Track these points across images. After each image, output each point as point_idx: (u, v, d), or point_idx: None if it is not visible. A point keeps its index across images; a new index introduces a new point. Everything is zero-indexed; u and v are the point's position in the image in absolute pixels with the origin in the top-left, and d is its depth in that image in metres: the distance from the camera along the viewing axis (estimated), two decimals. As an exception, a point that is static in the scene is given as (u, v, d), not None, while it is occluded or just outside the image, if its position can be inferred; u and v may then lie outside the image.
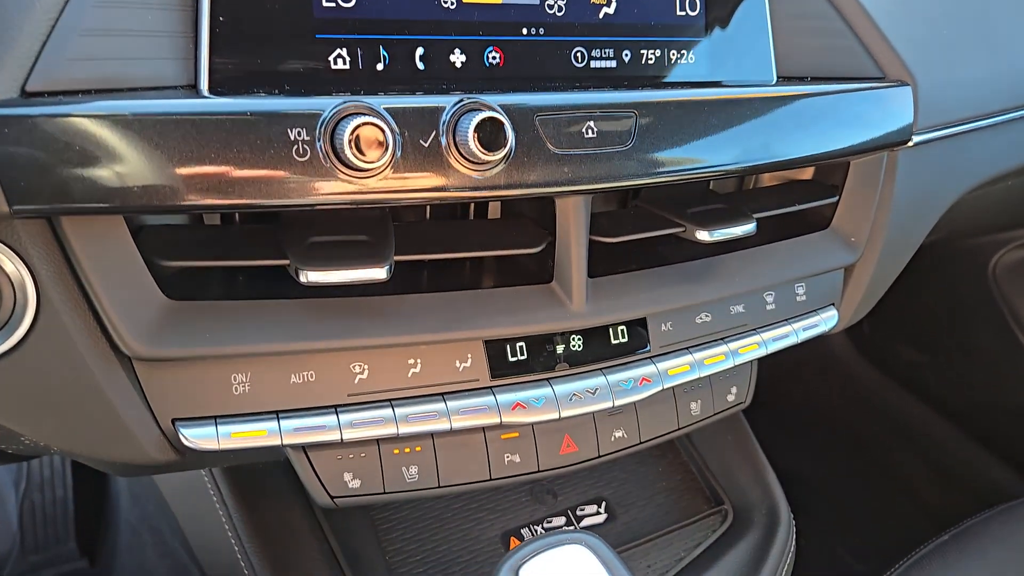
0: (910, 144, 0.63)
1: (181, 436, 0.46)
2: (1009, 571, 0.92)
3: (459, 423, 0.52)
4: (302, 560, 0.62)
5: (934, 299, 1.54)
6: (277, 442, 0.48)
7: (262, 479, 0.67)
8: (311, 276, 0.44)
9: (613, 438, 0.60)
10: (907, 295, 1.61)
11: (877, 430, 1.59)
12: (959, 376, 1.50)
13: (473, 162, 0.44)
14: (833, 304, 0.67)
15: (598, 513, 0.72)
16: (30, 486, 1.28)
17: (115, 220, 0.42)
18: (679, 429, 0.63)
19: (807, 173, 0.68)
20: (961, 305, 1.48)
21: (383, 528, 0.67)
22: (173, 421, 0.46)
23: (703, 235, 0.55)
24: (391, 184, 0.43)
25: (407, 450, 0.54)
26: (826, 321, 0.66)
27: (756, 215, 0.58)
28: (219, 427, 0.47)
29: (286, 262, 0.45)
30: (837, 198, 0.65)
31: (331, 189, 0.42)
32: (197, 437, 0.46)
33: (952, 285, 1.49)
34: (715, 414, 0.65)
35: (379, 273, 0.45)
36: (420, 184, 0.44)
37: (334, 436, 0.49)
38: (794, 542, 0.69)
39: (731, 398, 0.66)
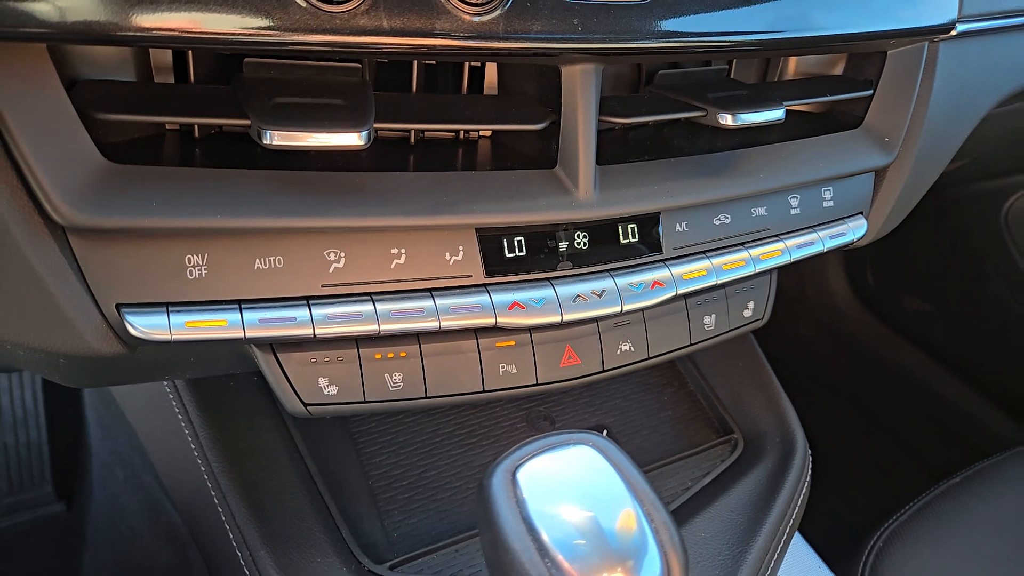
0: (953, 33, 0.57)
1: (127, 324, 0.40)
2: (1002, 520, 0.89)
3: (449, 323, 0.46)
4: (276, 484, 0.56)
5: (943, 247, 1.48)
6: (239, 335, 0.42)
7: (232, 397, 0.61)
8: (276, 138, 0.38)
9: (619, 351, 0.55)
10: (914, 244, 1.55)
11: (876, 384, 1.55)
12: (967, 327, 1.45)
13: (467, 1, 0.38)
14: (862, 212, 0.61)
15: (598, 441, 0.67)
16: (2, 427, 1.23)
17: (41, 60, 0.35)
18: (691, 345, 0.57)
19: (838, 68, 0.61)
20: (971, 253, 1.43)
21: (365, 452, 0.62)
22: (118, 307, 0.40)
23: (726, 119, 0.49)
24: (371, 23, 0.37)
25: (390, 355, 0.48)
26: (854, 230, 0.60)
27: (785, 103, 0.51)
28: (171, 316, 0.41)
29: (246, 122, 0.39)
30: (872, 92, 0.58)
31: (300, 24, 0.35)
32: (146, 326, 0.40)
33: (962, 232, 1.43)
34: (730, 330, 0.59)
35: (355, 139, 0.38)
36: (405, 25, 0.37)
37: (306, 331, 0.43)
38: (810, 471, 0.64)
39: (748, 314, 0.60)
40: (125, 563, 0.95)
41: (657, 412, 0.70)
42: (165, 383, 0.63)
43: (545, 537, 0.33)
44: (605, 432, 0.68)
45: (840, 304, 1.69)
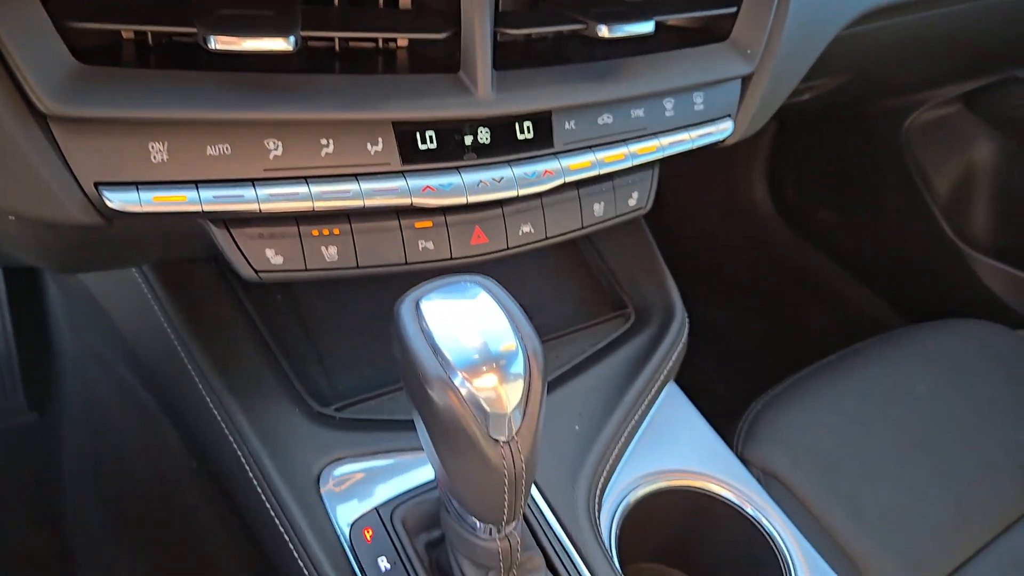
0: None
1: (105, 199, 0.49)
2: (868, 388, 1.04)
3: (372, 203, 0.56)
4: (236, 348, 0.67)
5: (851, 162, 1.62)
6: (197, 208, 0.51)
7: (194, 281, 0.71)
8: (217, 43, 0.46)
9: (521, 232, 0.66)
10: (828, 159, 1.69)
11: (785, 283, 1.71)
12: (868, 234, 1.61)
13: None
14: (729, 115, 0.72)
15: (513, 316, 0.79)
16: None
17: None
18: (583, 228, 0.69)
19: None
20: (875, 166, 1.57)
21: (312, 324, 0.73)
22: (96, 185, 0.49)
23: (602, 30, 0.58)
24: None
25: (326, 232, 0.59)
26: (722, 132, 0.71)
27: (656, 17, 0.61)
28: (141, 193, 0.50)
29: (193, 30, 0.47)
30: (737, 9, 0.68)
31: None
32: (120, 200, 0.49)
33: (868, 147, 1.57)
34: (617, 216, 0.70)
35: (284, 44, 0.47)
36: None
37: (252, 207, 0.53)
38: (686, 336, 0.77)
39: (632, 202, 0.71)
40: (105, 455, 1.05)
41: (563, 293, 0.82)
42: (135, 271, 0.72)
43: (438, 343, 0.44)
44: (519, 309, 0.80)
45: (763, 217, 1.83)
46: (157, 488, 0.95)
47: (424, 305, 0.46)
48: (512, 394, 0.44)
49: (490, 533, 0.50)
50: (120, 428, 0.98)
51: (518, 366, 0.44)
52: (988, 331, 1.15)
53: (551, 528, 0.59)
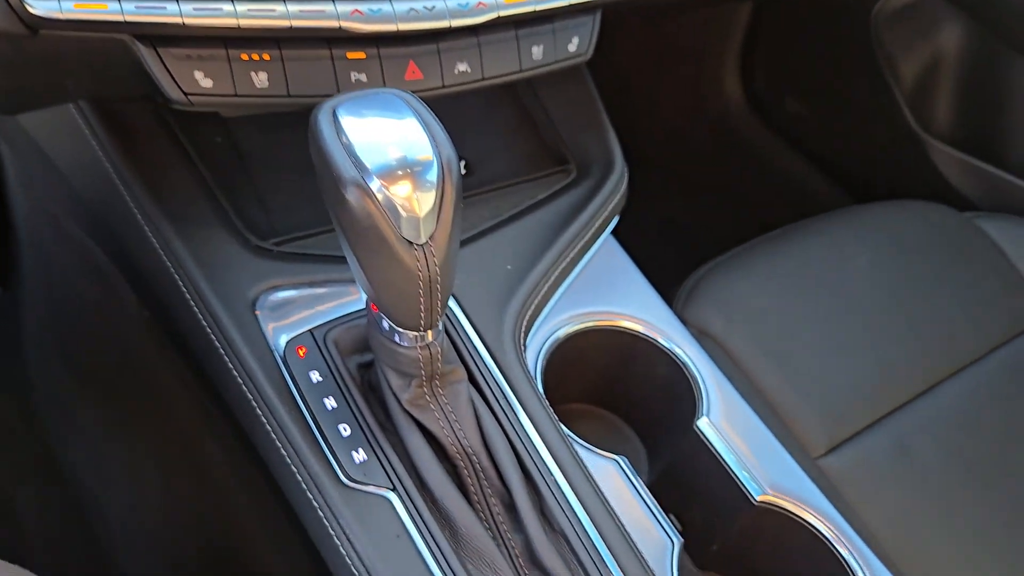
0: None
1: (27, 5, 0.49)
2: (807, 258, 1.08)
3: (299, 24, 0.56)
4: (175, 182, 0.68)
5: (820, 51, 1.60)
6: (119, 18, 0.51)
7: (132, 121, 0.71)
8: None
9: (457, 71, 0.66)
10: (799, 49, 1.67)
11: (750, 179, 1.72)
12: (834, 125, 1.61)
13: None
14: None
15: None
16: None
17: None
18: (521, 71, 0.69)
19: None
20: (843, 56, 1.56)
21: (253, 166, 0.73)
22: (15, -8, 0.49)
23: None
24: None
25: (255, 57, 0.59)
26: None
27: None
28: (62, 1, 0.50)
29: None
30: None
31: None
32: (43, 7, 0.49)
33: (835, 36, 1.55)
34: (557, 61, 0.71)
35: None
36: None
37: (176, 20, 0.52)
38: (625, 187, 0.79)
39: (572, 48, 0.71)
40: (65, 319, 1.07)
41: (507, 147, 0.83)
42: (76, 115, 0.72)
43: (354, 147, 0.45)
44: (464, 163, 0.81)
45: (734, 111, 1.82)
46: (117, 345, 0.98)
47: (341, 112, 0.47)
48: (424, 199, 0.46)
49: (411, 342, 0.53)
50: (79, 290, 1.00)
51: (432, 173, 0.46)
52: (934, 211, 1.18)
53: (476, 350, 0.62)
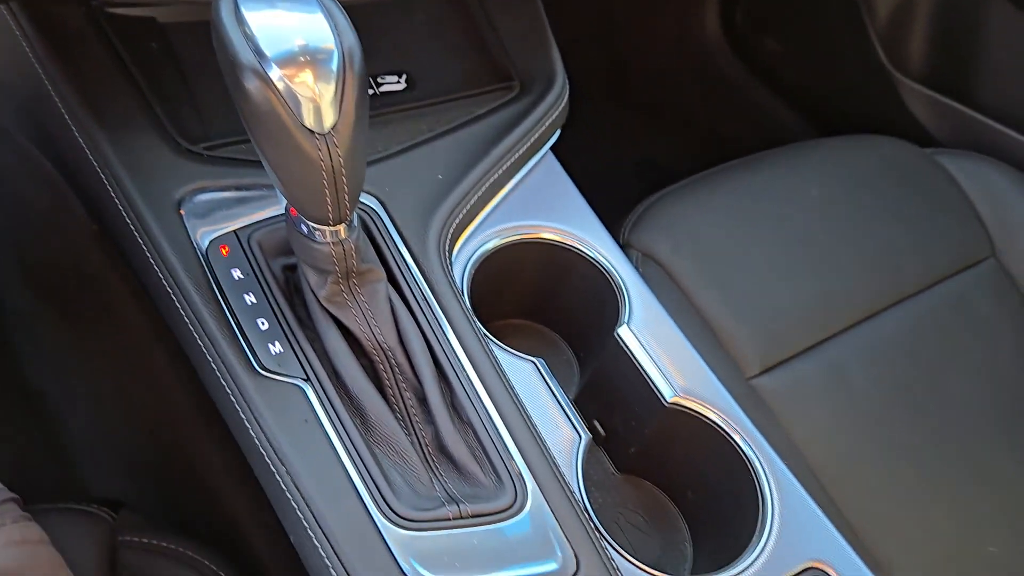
0: None
1: None
2: (769, 188, 1.08)
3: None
4: (108, 89, 0.68)
5: (801, -12, 1.58)
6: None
7: (66, 25, 0.70)
8: None
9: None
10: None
11: (727, 116, 1.71)
12: (808, 62, 1.59)
13: None
14: None
15: (398, 83, 0.80)
16: None
17: None
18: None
19: None
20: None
21: (188, 75, 0.73)
22: None
23: None
24: None
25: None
26: None
27: None
28: None
29: None
30: None
31: None
32: None
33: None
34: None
35: None
36: None
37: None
38: (566, 103, 0.79)
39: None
40: (23, 237, 1.08)
41: (453, 63, 0.82)
42: (10, 21, 0.72)
43: (253, 33, 0.46)
44: (405, 76, 0.81)
45: (713, 50, 1.80)
46: (71, 259, 0.99)
47: (243, 1, 0.47)
48: (324, 87, 0.46)
49: (325, 237, 0.54)
50: (32, 202, 1.01)
51: (333, 62, 0.46)
52: (895, 146, 1.18)
53: (400, 254, 0.63)
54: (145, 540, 0.70)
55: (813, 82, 1.58)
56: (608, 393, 0.71)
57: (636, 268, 0.93)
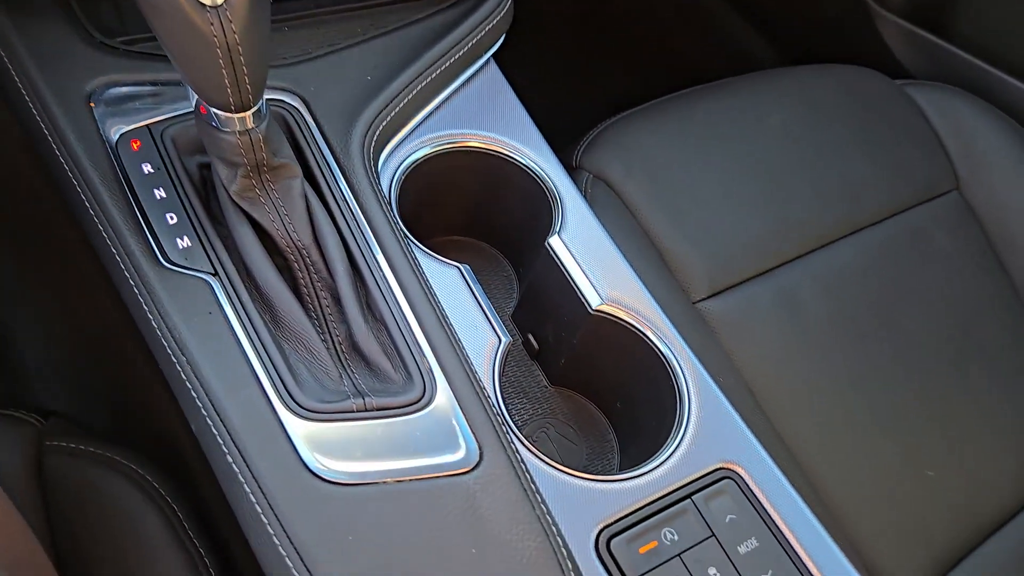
0: None
1: None
2: (729, 113, 1.05)
3: None
4: None
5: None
6: None
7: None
8: None
9: None
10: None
11: (698, 42, 1.66)
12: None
13: None
14: None
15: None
16: None
17: None
18: None
19: None
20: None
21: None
22: None
23: None
24: None
25: None
26: None
27: None
28: None
29: None
30: None
31: None
32: None
33: None
34: None
35: None
36: None
37: None
38: (509, 8, 0.76)
39: None
40: None
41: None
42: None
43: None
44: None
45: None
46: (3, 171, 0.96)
47: None
48: (214, -47, 0.44)
49: (231, 126, 0.52)
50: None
51: None
52: (863, 76, 1.15)
53: (322, 153, 0.61)
54: (72, 445, 0.69)
55: (789, 11, 1.53)
56: (540, 305, 0.70)
57: (585, 190, 0.92)
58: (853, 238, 0.99)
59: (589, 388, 0.71)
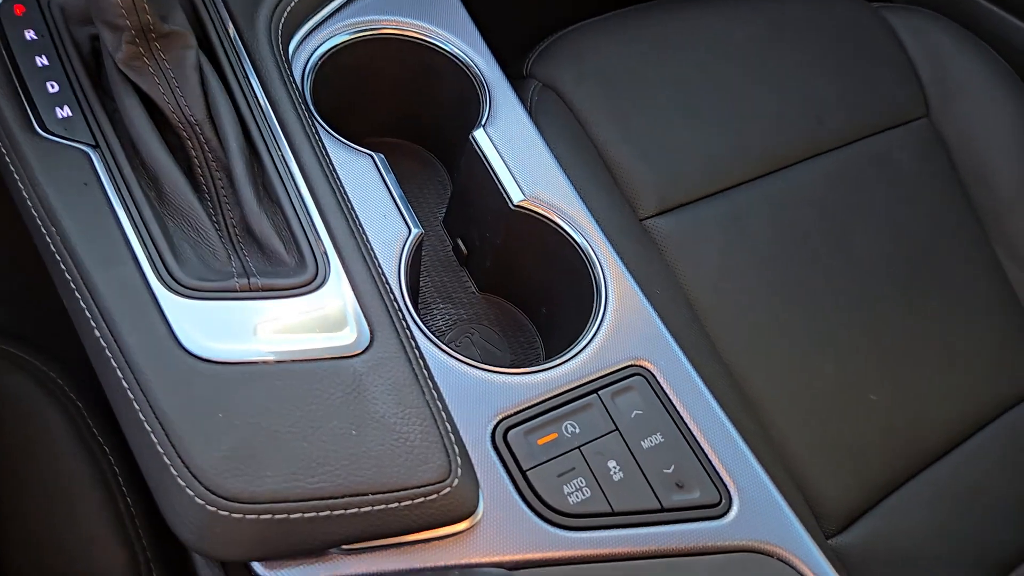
0: None
1: None
2: (693, 28, 1.01)
3: None
4: None
5: None
6: None
7: None
8: None
9: None
10: None
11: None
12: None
13: None
14: None
15: None
16: None
17: None
18: None
19: None
20: None
21: None
22: None
23: None
24: None
25: None
26: None
27: None
28: None
29: None
30: None
31: None
32: None
33: None
34: None
35: None
36: None
37: None
38: None
39: None
40: None
41: None
42: None
43: None
44: None
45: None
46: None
47: None
48: None
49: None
50: None
51: None
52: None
53: (221, 19, 0.57)
54: (-31, 341, 0.67)
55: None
56: (467, 204, 0.66)
57: (532, 98, 0.88)
58: (813, 161, 0.95)
59: (516, 293, 0.69)
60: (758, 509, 0.49)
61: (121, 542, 0.61)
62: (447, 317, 0.68)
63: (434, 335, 0.52)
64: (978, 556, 0.84)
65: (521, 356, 0.68)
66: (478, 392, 0.50)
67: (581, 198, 0.61)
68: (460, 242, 0.70)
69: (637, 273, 0.60)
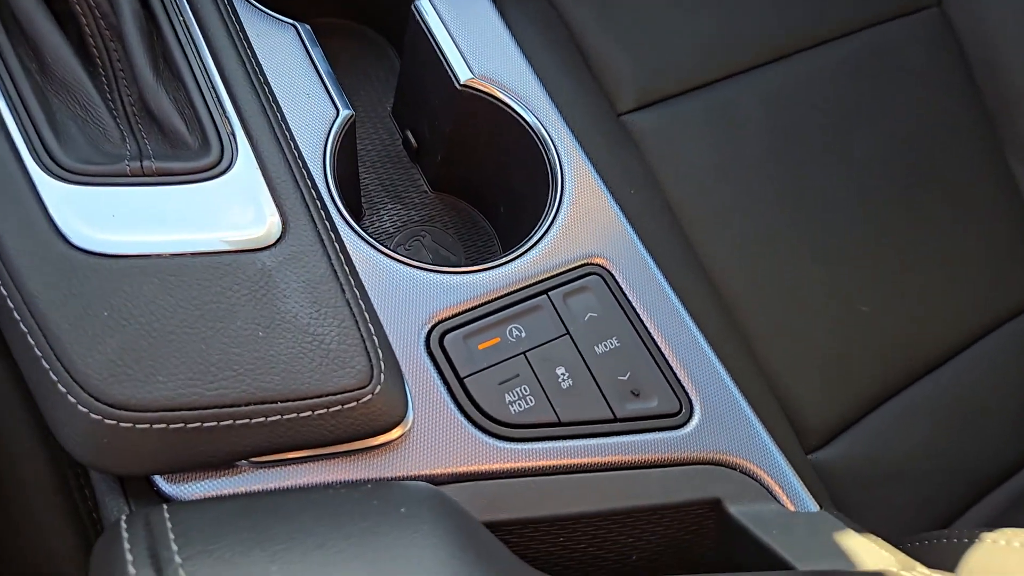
0: None
1: None
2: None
3: None
4: None
5: None
6: None
7: None
8: None
9: None
10: None
11: None
12: None
13: None
14: None
15: None
16: None
17: None
18: None
19: None
20: None
21: None
22: None
23: None
24: None
25: None
26: None
27: None
28: None
29: None
30: None
31: None
32: None
33: None
34: None
35: None
36: None
37: None
38: None
39: None
40: None
41: None
42: None
43: None
44: None
45: None
46: None
47: None
48: None
49: None
50: None
51: None
52: None
53: None
54: None
55: None
56: (414, 89, 0.59)
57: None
58: (812, 52, 0.87)
59: (471, 191, 0.62)
60: (723, 420, 0.44)
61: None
62: (395, 218, 0.62)
63: (380, 238, 0.46)
64: (968, 471, 0.80)
65: (478, 261, 0.62)
66: (412, 292, 0.44)
67: (542, 81, 0.54)
68: (410, 134, 0.63)
69: (609, 172, 0.54)
